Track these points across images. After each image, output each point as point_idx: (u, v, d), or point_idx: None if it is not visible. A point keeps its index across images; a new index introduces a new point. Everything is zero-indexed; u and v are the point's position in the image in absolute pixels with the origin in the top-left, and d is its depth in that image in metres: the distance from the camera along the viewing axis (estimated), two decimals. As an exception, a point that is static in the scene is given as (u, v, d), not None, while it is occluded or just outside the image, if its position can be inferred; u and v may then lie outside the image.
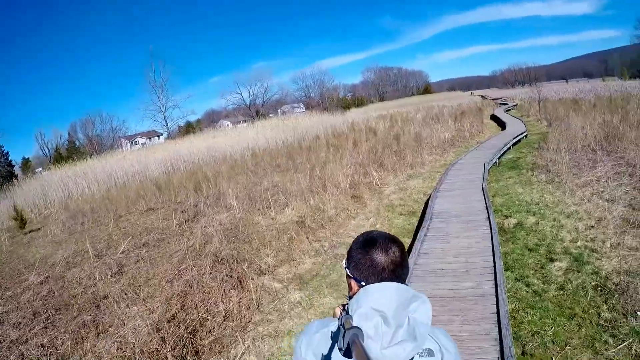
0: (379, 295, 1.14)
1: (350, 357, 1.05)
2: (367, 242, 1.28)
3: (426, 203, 10.19)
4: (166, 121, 61.22)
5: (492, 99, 55.65)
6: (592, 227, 7.31)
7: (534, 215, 8.41)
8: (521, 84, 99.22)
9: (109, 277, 7.36)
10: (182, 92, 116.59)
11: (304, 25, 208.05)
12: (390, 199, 11.60)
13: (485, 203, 8.76)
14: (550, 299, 5.28)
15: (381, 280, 1.20)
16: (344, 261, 1.33)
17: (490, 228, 7.10)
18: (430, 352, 1.16)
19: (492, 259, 5.77)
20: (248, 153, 23.98)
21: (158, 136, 64.09)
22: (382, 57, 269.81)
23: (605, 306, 4.93)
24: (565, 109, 24.59)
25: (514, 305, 5.18)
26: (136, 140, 64.35)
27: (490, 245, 6.32)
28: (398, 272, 1.23)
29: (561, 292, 5.40)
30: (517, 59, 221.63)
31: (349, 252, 1.32)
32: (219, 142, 27.97)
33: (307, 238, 9.00)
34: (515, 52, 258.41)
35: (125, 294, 6.47)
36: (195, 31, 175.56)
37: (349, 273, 1.29)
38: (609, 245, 6.46)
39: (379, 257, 1.23)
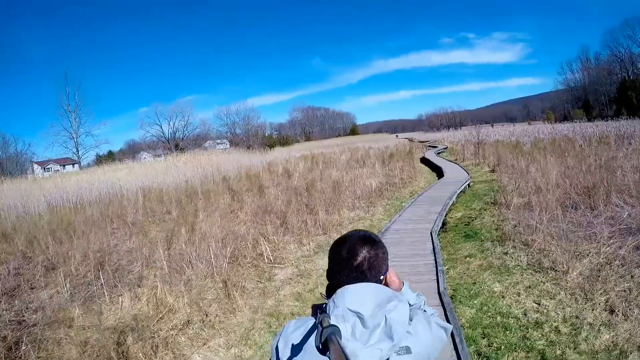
0: (356, 296, 1.13)
1: (325, 355, 1.02)
2: (339, 241, 1.29)
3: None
4: (77, 149, 57.01)
5: (420, 142, 53.98)
6: None
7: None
8: (446, 128, 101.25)
9: None
10: (98, 120, 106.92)
11: (232, 62, 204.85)
12: (279, 295, 6.78)
13: (453, 342, 4.15)
14: None
15: (348, 276, 1.20)
16: None
17: None
18: (407, 350, 1.12)
19: None
20: (140, 194, 18.68)
21: (73, 164, 59.09)
22: (311, 97, 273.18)
23: None
24: (507, 152, 21.62)
25: None
26: (49, 166, 61.54)
27: None
28: (366, 273, 1.21)
29: None
30: (442, 103, 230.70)
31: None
32: (118, 176, 24.43)
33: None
34: (440, 97, 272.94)
35: None
36: (117, 59, 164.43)
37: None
38: None
39: (344, 253, 1.23)
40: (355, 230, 1.35)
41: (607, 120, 43.71)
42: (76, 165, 58.46)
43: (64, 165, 61.42)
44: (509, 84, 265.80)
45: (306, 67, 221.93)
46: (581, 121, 49.74)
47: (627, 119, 36.90)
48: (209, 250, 8.25)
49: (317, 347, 1.05)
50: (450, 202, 11.56)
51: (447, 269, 6.94)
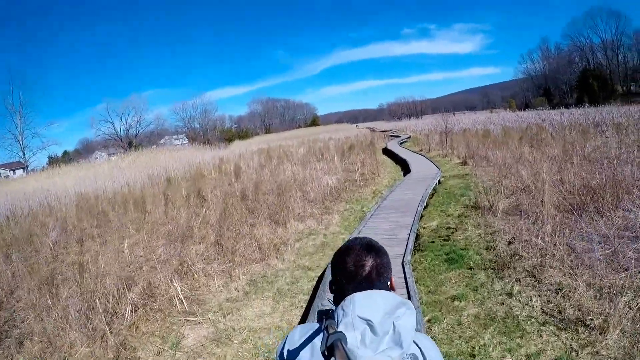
0: (366, 304, 1.10)
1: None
2: (344, 250, 1.26)
3: None
4: (23, 152, 52.80)
5: (382, 131, 52.25)
6: None
7: None
8: (408, 117, 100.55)
9: None
10: (44, 119, 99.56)
11: (190, 55, 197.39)
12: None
13: None
14: None
15: (358, 287, 1.16)
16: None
17: None
18: (414, 357, 1.12)
19: None
20: (72, 204, 16.08)
21: (23, 168, 53.86)
22: (273, 89, 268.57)
23: None
24: (477, 141, 19.85)
25: None
26: None
27: None
28: (375, 282, 1.18)
29: None
30: (404, 93, 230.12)
31: (331, 260, 1.30)
32: (58, 181, 22.50)
33: None
34: (402, 86, 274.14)
35: None
36: (67, 55, 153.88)
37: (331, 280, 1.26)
38: None
39: (351, 265, 1.20)
40: (356, 238, 1.29)
41: (569, 108, 43.74)
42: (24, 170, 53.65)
43: (14, 170, 56.31)
44: (469, 73, 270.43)
45: (268, 59, 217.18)
46: (543, 109, 49.46)
47: (589, 106, 36.72)
48: (106, 298, 5.83)
49: (322, 353, 0.99)
50: (422, 208, 9.41)
51: (429, 322, 4.75)
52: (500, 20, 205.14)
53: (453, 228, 8.02)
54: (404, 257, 6.19)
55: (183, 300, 6.05)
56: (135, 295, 6.14)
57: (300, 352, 1.15)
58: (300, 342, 1.18)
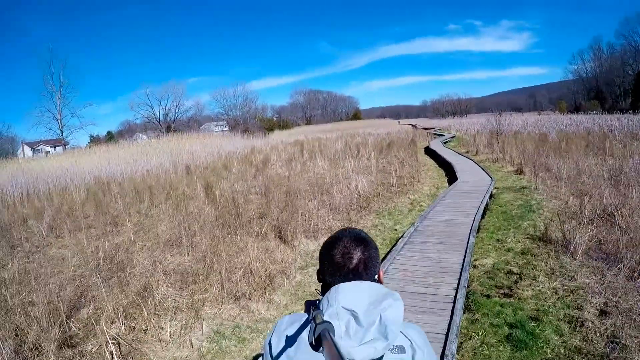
0: (350, 294, 1.08)
1: (318, 351, 0.95)
2: (331, 240, 1.23)
3: None
4: (61, 130, 52.55)
5: (425, 129, 49.39)
6: None
7: None
8: (451, 115, 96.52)
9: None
10: (83, 100, 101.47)
11: (232, 43, 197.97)
12: None
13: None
14: None
15: (345, 279, 1.15)
16: None
17: None
18: (401, 349, 1.10)
19: None
20: (84, 189, 15.07)
21: (63, 145, 54.08)
22: (315, 81, 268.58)
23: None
24: (532, 146, 17.23)
25: None
26: (39, 147, 58.34)
27: None
28: (361, 271, 1.16)
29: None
30: (446, 90, 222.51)
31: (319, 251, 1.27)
32: (82, 161, 21.83)
33: None
34: (445, 83, 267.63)
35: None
36: (110, 40, 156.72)
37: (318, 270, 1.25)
38: None
39: (338, 257, 1.18)
40: (346, 229, 1.28)
41: (624, 113, 39.65)
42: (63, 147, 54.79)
43: (54, 147, 57.89)
44: (515, 72, 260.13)
45: (311, 51, 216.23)
46: (596, 113, 45.44)
47: None
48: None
49: (310, 343, 0.98)
50: (474, 239, 7.09)
51: None
52: (549, 17, 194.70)
53: (516, 274, 5.73)
54: (445, 343, 3.79)
55: (114, 354, 4.17)
56: (57, 333, 4.35)
57: (288, 342, 1.14)
58: (288, 332, 1.16)
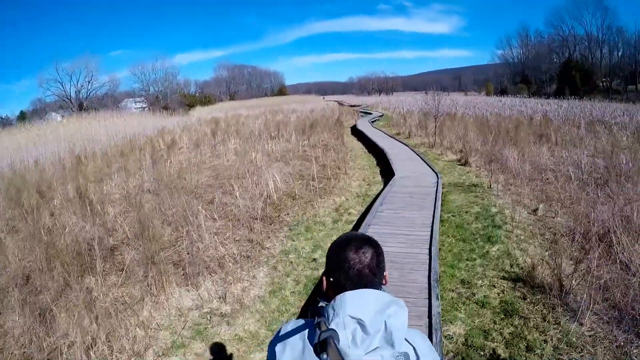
0: (357, 303, 1.06)
1: (322, 358, 0.97)
2: (342, 242, 1.20)
3: None
4: None
5: (351, 106, 47.50)
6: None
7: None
8: (378, 92, 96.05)
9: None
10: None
11: (153, 15, 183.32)
12: None
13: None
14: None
15: (353, 280, 1.13)
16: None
17: None
18: (406, 356, 1.08)
19: None
20: None
21: None
22: (242, 55, 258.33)
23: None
24: (475, 130, 15.45)
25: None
26: None
27: None
28: (372, 272, 1.14)
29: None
30: (374, 68, 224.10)
31: (327, 253, 1.23)
32: None
33: None
34: (373, 62, 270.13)
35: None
36: (22, 10, 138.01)
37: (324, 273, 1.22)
38: None
39: (351, 257, 1.15)
40: (352, 233, 1.28)
41: (549, 98, 40.81)
42: None
43: None
44: (442, 54, 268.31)
45: (239, 24, 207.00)
46: (522, 96, 46.58)
47: (568, 98, 34.59)
48: None
49: (314, 350, 1.02)
50: (438, 301, 4.52)
51: None
52: (478, 2, 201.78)
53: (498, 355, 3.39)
54: None
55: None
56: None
57: (292, 349, 1.12)
58: (292, 338, 1.14)
